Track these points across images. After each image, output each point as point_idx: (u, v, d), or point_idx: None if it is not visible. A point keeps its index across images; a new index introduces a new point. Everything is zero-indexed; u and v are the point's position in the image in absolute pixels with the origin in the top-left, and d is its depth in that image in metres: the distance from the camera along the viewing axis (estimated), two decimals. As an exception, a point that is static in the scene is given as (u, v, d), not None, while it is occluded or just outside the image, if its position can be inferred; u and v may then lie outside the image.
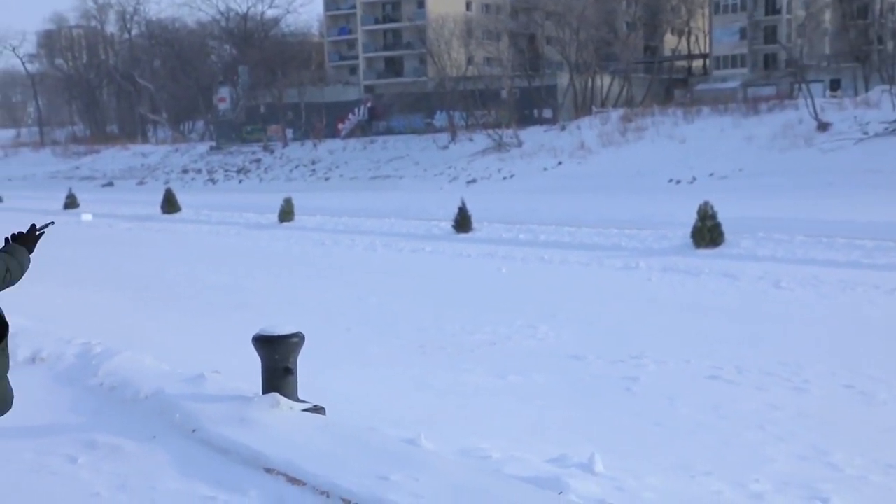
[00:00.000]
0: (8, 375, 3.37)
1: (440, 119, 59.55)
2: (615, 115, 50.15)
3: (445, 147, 53.96)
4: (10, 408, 3.36)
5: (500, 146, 49.87)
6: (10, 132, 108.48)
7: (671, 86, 67.21)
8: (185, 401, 5.22)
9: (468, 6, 74.38)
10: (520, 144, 49.50)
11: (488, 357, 8.71)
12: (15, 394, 5.70)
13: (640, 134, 45.65)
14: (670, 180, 38.02)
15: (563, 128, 51.01)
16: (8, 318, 3.35)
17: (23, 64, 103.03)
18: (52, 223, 3.57)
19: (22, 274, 3.25)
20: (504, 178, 44.74)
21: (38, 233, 3.40)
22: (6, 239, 3.35)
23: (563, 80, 61.06)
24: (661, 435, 6.24)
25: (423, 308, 11.40)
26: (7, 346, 3.29)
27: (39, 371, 6.39)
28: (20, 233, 3.37)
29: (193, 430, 4.89)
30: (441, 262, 16.24)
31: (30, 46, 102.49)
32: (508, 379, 7.86)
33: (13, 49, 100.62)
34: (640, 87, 63.54)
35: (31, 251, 3.37)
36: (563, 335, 9.52)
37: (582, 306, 11.29)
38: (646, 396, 7.19)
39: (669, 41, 74.10)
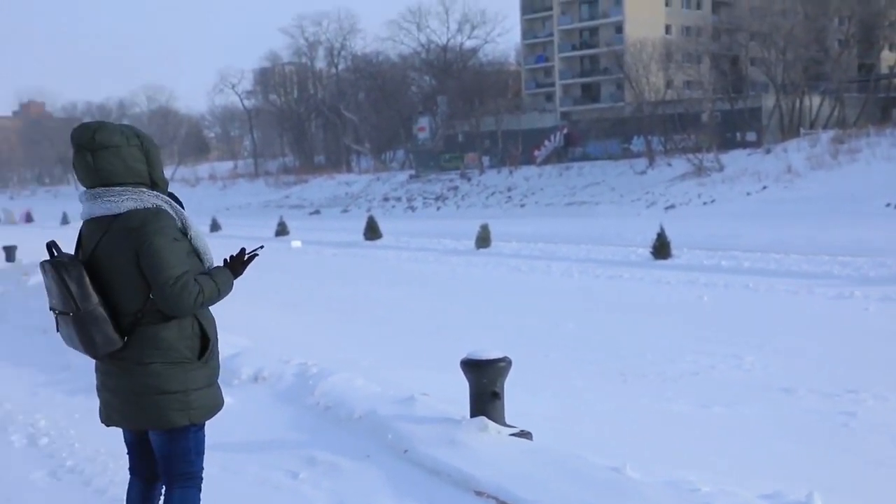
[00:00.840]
0: (219, 383, 3.63)
1: (637, 144, 58.73)
2: (825, 136, 47.71)
3: (643, 172, 53.14)
4: (217, 413, 3.62)
5: (700, 171, 48.58)
6: (229, 164, 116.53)
7: (889, 105, 63.16)
8: (396, 421, 5.41)
9: (667, 30, 73.23)
10: (721, 169, 48.02)
11: (691, 387, 8.50)
12: (241, 410, 6.14)
13: (854, 156, 43.17)
14: (888, 205, 35.69)
15: (768, 151, 49.05)
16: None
17: (241, 100, 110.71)
18: (262, 247, 3.72)
19: (218, 296, 3.43)
20: (704, 203, 43.52)
21: (247, 257, 3.59)
22: (224, 260, 3.60)
23: (769, 101, 58.78)
24: (884, 476, 5.87)
25: (622, 335, 11.26)
26: (212, 358, 3.52)
27: (261, 389, 6.80)
28: (231, 256, 3.59)
29: (405, 451, 5.06)
30: (639, 288, 15.98)
31: (247, 84, 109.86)
32: (713, 410, 7.64)
33: (233, 87, 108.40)
34: (854, 108, 60.12)
35: (238, 274, 3.56)
36: (771, 366, 9.15)
37: (791, 336, 10.79)
38: (865, 434, 6.79)
39: (887, 58, 69.71)
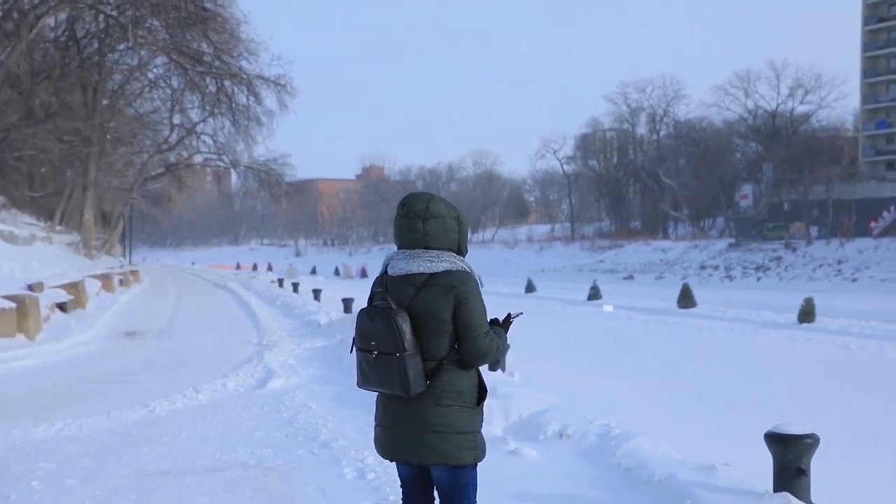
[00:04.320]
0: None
1: None
2: None
3: None
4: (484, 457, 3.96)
5: None
6: (546, 227, 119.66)
7: None
8: (696, 489, 5.42)
9: None
10: None
11: None
12: (546, 463, 6.45)
13: None
14: None
15: None
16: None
17: (561, 165, 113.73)
18: (522, 314, 4.21)
19: (500, 352, 3.91)
20: None
21: (511, 320, 4.06)
22: (493, 320, 4.05)
23: None
24: None
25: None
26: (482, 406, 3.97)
27: (566, 446, 7.07)
28: (497, 318, 4.07)
29: (702, 518, 5.08)
30: None
31: (568, 149, 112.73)
32: None
33: (554, 152, 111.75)
34: None
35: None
36: None
37: None
38: None
39: None
